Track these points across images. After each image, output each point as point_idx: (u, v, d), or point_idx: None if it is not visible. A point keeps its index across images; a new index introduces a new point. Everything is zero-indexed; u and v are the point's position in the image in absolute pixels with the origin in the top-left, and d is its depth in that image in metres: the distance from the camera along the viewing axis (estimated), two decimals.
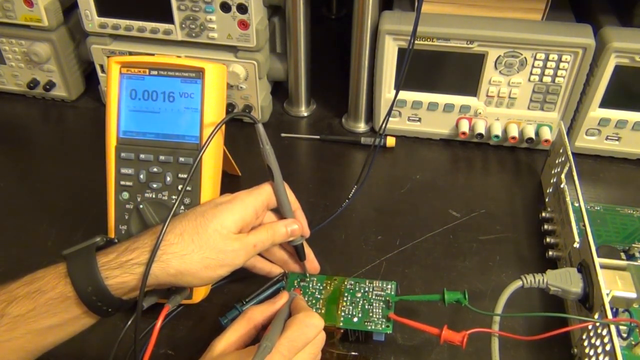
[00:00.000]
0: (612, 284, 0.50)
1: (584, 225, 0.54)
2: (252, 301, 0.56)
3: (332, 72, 0.92)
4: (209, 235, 0.46)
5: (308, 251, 0.57)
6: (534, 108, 0.74)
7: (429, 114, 0.77)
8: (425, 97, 0.76)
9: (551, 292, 0.51)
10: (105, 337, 0.54)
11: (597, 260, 0.50)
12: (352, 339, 0.54)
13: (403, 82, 0.67)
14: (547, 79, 0.71)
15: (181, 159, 0.54)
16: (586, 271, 0.51)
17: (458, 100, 0.75)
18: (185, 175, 0.54)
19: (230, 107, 0.80)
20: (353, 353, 0.53)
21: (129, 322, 0.49)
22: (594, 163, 0.76)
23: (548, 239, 0.62)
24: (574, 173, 0.60)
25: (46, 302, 0.42)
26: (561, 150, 0.65)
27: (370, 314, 0.52)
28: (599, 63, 0.67)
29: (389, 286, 0.54)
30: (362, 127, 0.82)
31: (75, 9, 0.77)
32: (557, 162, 0.66)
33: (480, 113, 0.75)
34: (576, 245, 0.55)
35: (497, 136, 0.75)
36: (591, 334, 0.48)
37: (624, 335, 0.52)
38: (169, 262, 0.45)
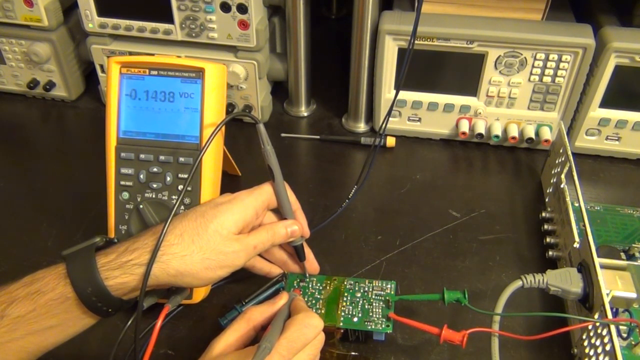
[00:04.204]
0: (612, 284, 0.50)
1: (584, 225, 0.54)
2: (252, 302, 0.56)
3: (332, 72, 0.92)
4: (209, 235, 0.46)
5: (308, 251, 0.56)
6: (534, 108, 0.74)
7: (429, 114, 0.77)
8: (425, 97, 0.76)
9: (551, 292, 0.51)
10: (105, 337, 0.54)
11: (597, 260, 0.50)
12: (352, 339, 0.54)
13: (403, 82, 0.67)
14: (547, 79, 0.71)
15: (181, 159, 0.54)
16: (586, 271, 0.51)
17: (458, 100, 0.75)
18: (185, 176, 0.54)
19: (230, 107, 0.80)
20: (353, 353, 0.53)
21: (129, 322, 0.49)
22: (594, 163, 0.76)
23: (548, 239, 0.62)
24: (574, 173, 0.60)
25: (46, 303, 0.42)
26: (561, 150, 0.65)
27: (370, 314, 0.52)
28: (599, 63, 0.67)
29: (389, 286, 0.54)
30: (362, 127, 0.82)
31: (75, 9, 0.77)
32: (557, 162, 0.66)
33: (480, 113, 0.75)
34: (576, 245, 0.55)
35: (497, 136, 0.75)
36: (591, 334, 0.49)
37: (624, 335, 0.52)
38: (169, 262, 0.45)
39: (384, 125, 0.68)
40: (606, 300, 0.47)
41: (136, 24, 0.74)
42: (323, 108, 0.87)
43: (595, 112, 0.72)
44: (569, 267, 0.53)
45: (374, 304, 0.53)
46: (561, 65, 0.69)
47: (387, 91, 0.76)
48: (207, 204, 0.50)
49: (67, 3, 0.81)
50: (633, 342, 0.52)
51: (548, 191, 0.68)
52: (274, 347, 0.42)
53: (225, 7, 0.71)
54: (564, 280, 0.51)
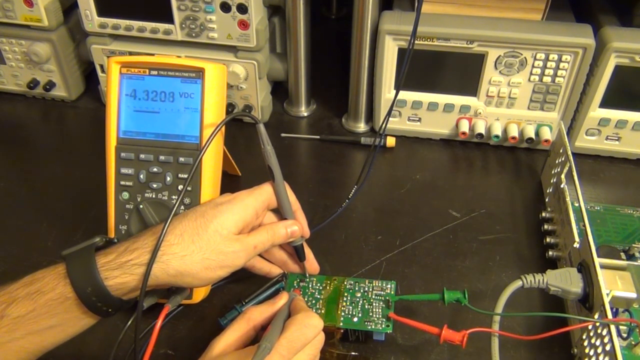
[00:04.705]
0: (612, 284, 0.50)
1: (584, 225, 0.54)
2: (252, 302, 0.56)
3: (332, 72, 0.92)
4: (209, 236, 0.46)
5: (308, 252, 0.56)
6: (534, 108, 0.74)
7: (429, 114, 0.77)
8: (425, 97, 0.76)
9: (551, 292, 0.51)
10: (105, 337, 0.54)
11: (597, 260, 0.50)
12: (352, 339, 0.54)
13: (403, 82, 0.67)
14: (547, 79, 0.71)
15: (181, 159, 0.54)
16: (586, 271, 0.51)
17: (458, 100, 0.75)
18: (185, 176, 0.54)
19: (230, 107, 0.80)
20: (353, 353, 0.53)
21: (129, 322, 0.49)
22: (594, 163, 0.76)
23: (548, 239, 0.62)
24: (574, 173, 0.60)
25: (46, 303, 0.42)
26: (561, 150, 0.65)
27: (370, 314, 0.52)
28: (599, 63, 0.67)
29: (389, 286, 0.54)
30: (362, 127, 0.82)
31: (75, 9, 0.77)
32: (557, 162, 0.66)
33: (480, 113, 0.75)
34: (576, 245, 0.55)
35: (497, 136, 0.75)
36: (591, 334, 0.49)
37: (624, 335, 0.52)
38: (169, 262, 0.45)
39: (384, 125, 0.68)
40: (606, 300, 0.47)
41: (136, 24, 0.74)
42: (323, 108, 0.87)
43: (595, 112, 0.72)
44: (569, 267, 0.53)
45: (374, 304, 0.53)
46: (561, 65, 0.69)
47: (387, 91, 0.76)
48: (207, 204, 0.50)
49: (67, 3, 0.81)
50: (633, 342, 0.52)
51: (548, 191, 0.68)
52: (274, 346, 0.42)
53: (225, 7, 0.71)
54: (564, 280, 0.51)
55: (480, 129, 0.75)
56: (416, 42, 0.67)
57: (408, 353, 0.54)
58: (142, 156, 0.54)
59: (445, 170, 0.76)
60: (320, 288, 0.55)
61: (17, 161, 0.78)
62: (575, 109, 0.73)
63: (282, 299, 0.50)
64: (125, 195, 0.55)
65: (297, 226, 0.53)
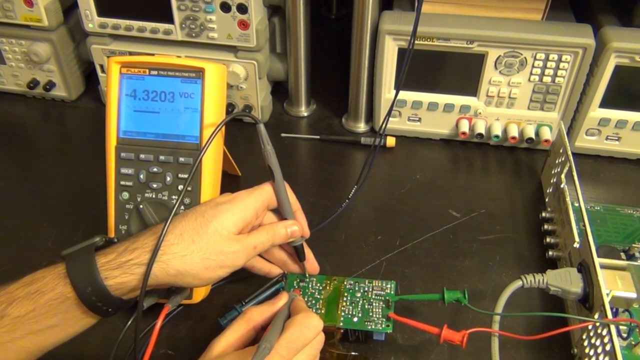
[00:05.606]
0: (612, 284, 0.50)
1: (584, 225, 0.54)
2: (252, 302, 0.56)
3: (332, 72, 0.92)
4: (209, 235, 0.46)
5: (308, 252, 0.56)
6: (534, 108, 0.74)
7: (429, 114, 0.77)
8: (425, 97, 0.76)
9: (551, 292, 0.51)
10: (105, 337, 0.54)
11: (597, 260, 0.50)
12: (352, 339, 0.54)
13: (403, 82, 0.67)
14: (547, 79, 0.71)
15: (181, 159, 0.54)
16: (586, 271, 0.51)
17: (458, 100, 0.75)
18: (185, 175, 0.54)
19: (230, 107, 0.80)
20: (353, 353, 0.53)
21: (129, 322, 0.49)
22: (594, 163, 0.76)
23: (548, 239, 0.62)
24: (574, 173, 0.60)
25: (46, 303, 0.42)
26: (561, 150, 0.65)
27: (370, 314, 0.52)
28: (599, 63, 0.67)
29: (389, 286, 0.54)
30: (362, 127, 0.82)
31: (75, 9, 0.77)
32: (557, 162, 0.66)
33: (480, 113, 0.75)
34: (576, 245, 0.55)
35: (497, 136, 0.75)
36: (591, 334, 0.49)
37: (624, 335, 0.52)
38: (169, 262, 0.45)
39: (384, 125, 0.68)
40: (606, 300, 0.47)
41: (136, 24, 0.74)
42: (323, 108, 0.87)
43: (595, 112, 0.72)
44: (569, 267, 0.53)
45: (374, 304, 0.53)
46: (561, 65, 0.69)
47: (387, 91, 0.76)
48: (207, 204, 0.50)
49: (67, 3, 0.81)
50: (633, 342, 0.52)
51: (548, 191, 0.68)
52: (273, 347, 0.42)
53: (225, 7, 0.71)
54: (564, 280, 0.51)
55: (480, 129, 0.75)
56: (416, 42, 0.67)
57: (408, 353, 0.54)
58: (142, 156, 0.54)
59: (445, 170, 0.76)
60: (320, 288, 0.55)
61: (17, 161, 0.78)
62: (575, 109, 0.73)
63: (282, 299, 0.50)
64: (125, 195, 0.55)
65: (297, 226, 0.53)
